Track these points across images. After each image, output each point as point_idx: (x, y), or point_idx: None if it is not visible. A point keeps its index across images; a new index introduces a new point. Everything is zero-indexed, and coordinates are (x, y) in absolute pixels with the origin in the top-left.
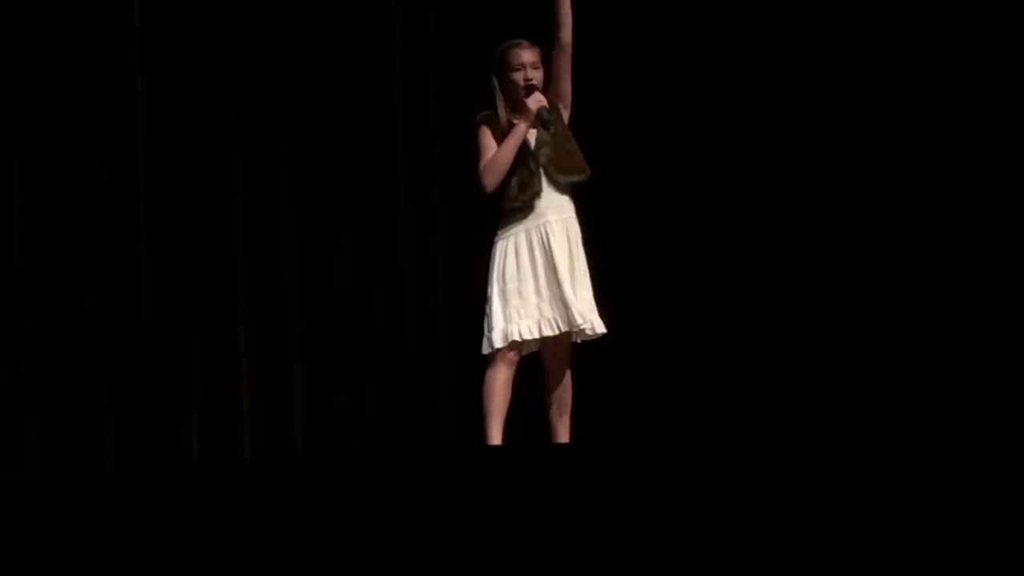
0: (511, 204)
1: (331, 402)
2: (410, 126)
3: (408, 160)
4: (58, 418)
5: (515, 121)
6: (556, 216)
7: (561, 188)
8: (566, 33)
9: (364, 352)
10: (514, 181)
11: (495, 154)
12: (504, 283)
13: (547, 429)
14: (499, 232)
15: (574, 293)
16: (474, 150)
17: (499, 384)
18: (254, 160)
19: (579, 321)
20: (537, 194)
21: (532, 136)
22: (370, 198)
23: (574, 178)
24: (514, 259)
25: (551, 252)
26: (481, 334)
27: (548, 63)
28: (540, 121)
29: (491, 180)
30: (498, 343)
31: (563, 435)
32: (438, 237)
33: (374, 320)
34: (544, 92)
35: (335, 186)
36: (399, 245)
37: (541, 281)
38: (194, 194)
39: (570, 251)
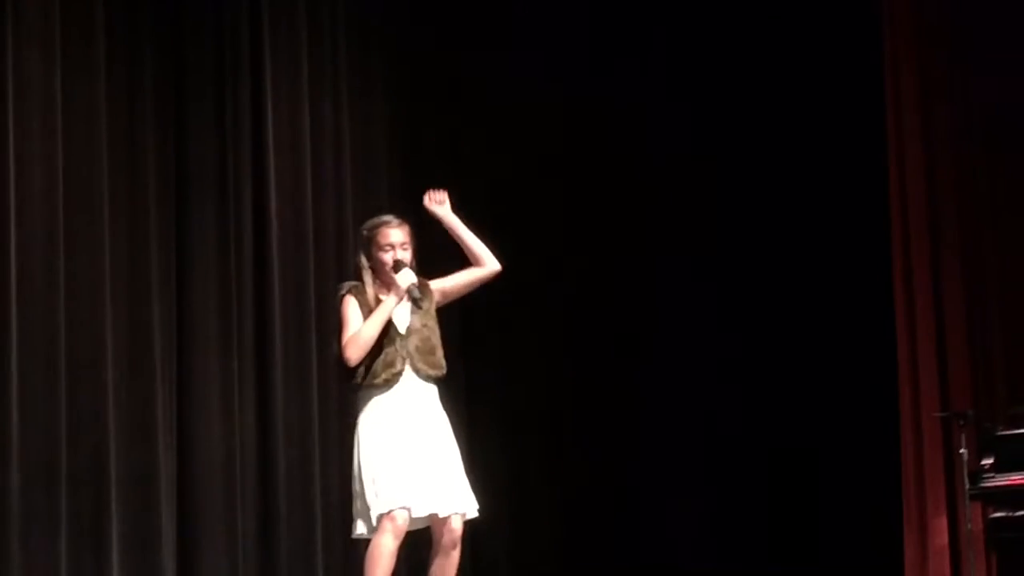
0: (372, 381)
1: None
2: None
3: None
4: None
5: (382, 297)
6: (418, 400)
7: (420, 378)
8: (493, 260)
9: (235, 524)
10: (377, 359)
11: (360, 329)
12: (382, 456)
13: None
14: (360, 411)
15: (455, 474)
16: (336, 322)
17: (385, 553)
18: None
19: (464, 504)
20: (398, 375)
21: (405, 320)
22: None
23: (432, 372)
24: (385, 434)
25: (421, 431)
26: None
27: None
28: (411, 298)
29: (355, 354)
30: (388, 507)
31: None
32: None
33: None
34: (428, 276)
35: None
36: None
37: (419, 459)
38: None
39: (440, 435)
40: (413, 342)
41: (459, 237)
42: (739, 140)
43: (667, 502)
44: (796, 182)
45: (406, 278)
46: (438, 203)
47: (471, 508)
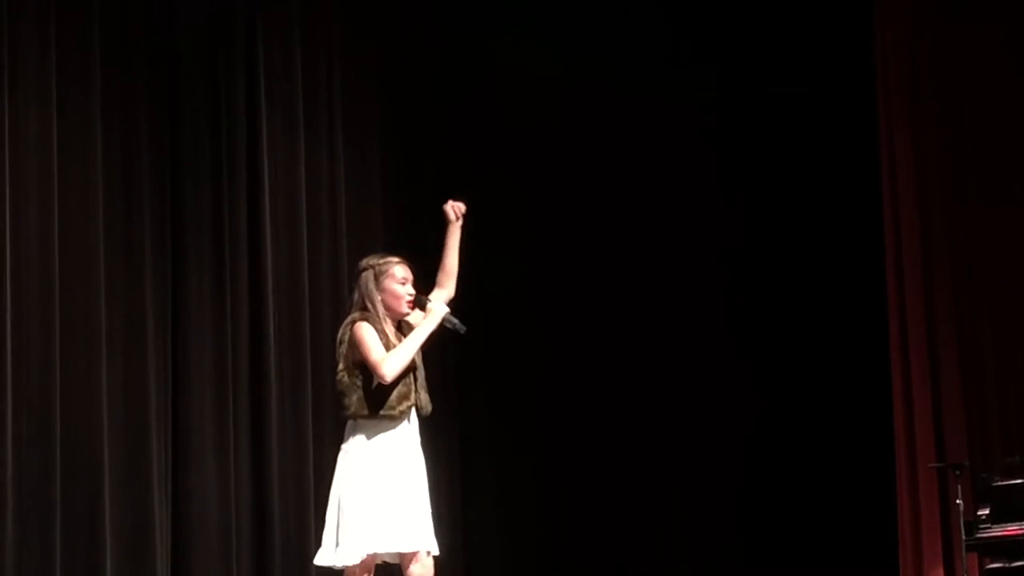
0: (385, 412)
1: None
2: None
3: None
4: None
5: (387, 331)
6: (413, 434)
7: (420, 412)
8: (452, 288)
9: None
10: (397, 390)
11: (403, 346)
12: (364, 492)
13: None
14: (354, 436)
15: (426, 511)
16: (355, 346)
17: None
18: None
19: (427, 541)
20: (411, 407)
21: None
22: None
23: (429, 408)
24: (374, 468)
25: (409, 467)
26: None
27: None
28: (451, 324)
29: (396, 370)
30: (347, 559)
31: None
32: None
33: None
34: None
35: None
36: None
37: (402, 494)
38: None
39: (421, 470)
40: (420, 377)
41: (448, 254)
42: (740, 176)
43: (658, 537)
44: (793, 233)
45: (441, 308)
46: (456, 217)
47: (435, 547)
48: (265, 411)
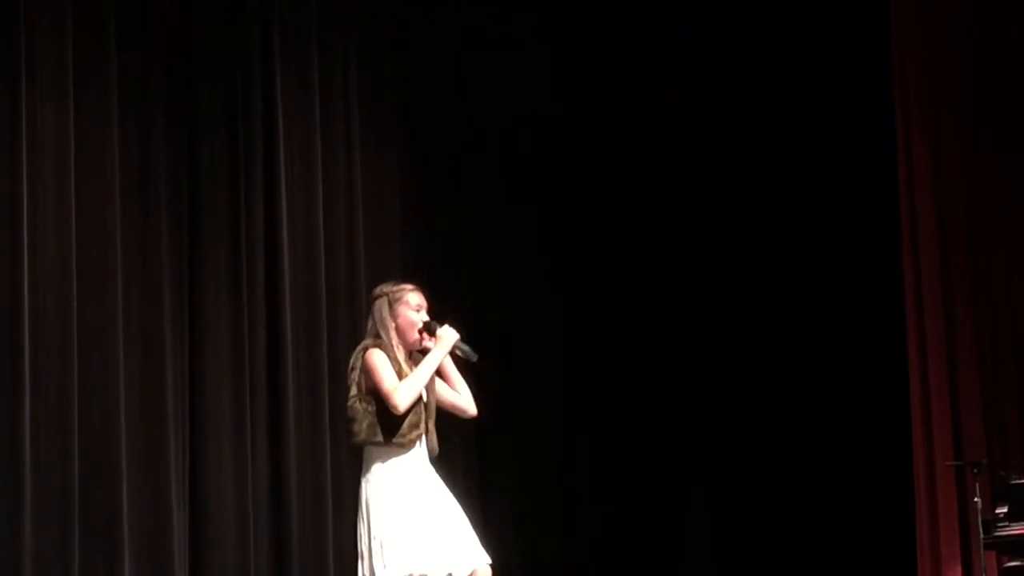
0: (397, 439)
1: None
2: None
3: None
4: None
5: (400, 358)
6: (426, 462)
7: (430, 444)
8: (471, 404)
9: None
10: (407, 418)
11: (414, 378)
12: (397, 517)
13: None
14: (377, 470)
15: (465, 528)
16: (363, 373)
17: None
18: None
19: (479, 556)
20: (422, 435)
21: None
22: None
23: (436, 449)
24: (401, 494)
25: (434, 491)
26: None
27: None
28: (461, 351)
29: (407, 400)
30: (410, 571)
31: None
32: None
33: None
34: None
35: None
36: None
37: (435, 518)
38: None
39: (443, 494)
40: (432, 409)
41: (447, 377)
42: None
43: (677, 535)
44: (810, 231)
45: (452, 334)
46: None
47: (486, 559)
48: (282, 411)
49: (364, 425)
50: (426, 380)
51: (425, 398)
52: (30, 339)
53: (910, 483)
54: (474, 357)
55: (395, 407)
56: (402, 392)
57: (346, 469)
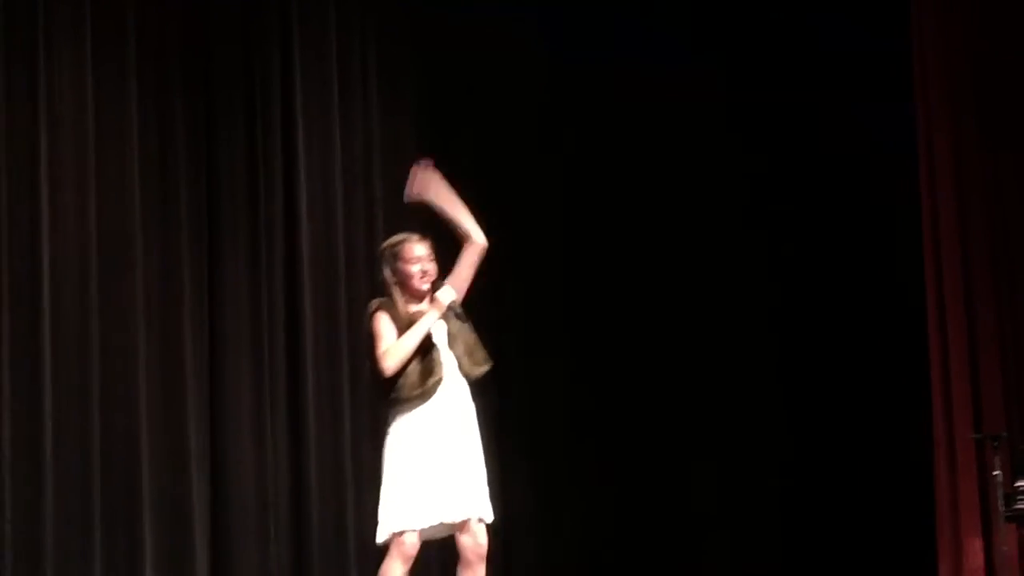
0: (413, 392)
1: None
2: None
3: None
4: None
5: (411, 309)
6: (455, 405)
7: (469, 378)
8: (479, 235)
9: (267, 543)
10: (415, 368)
11: (401, 340)
12: (401, 469)
13: None
14: (395, 421)
15: (473, 480)
16: (368, 336)
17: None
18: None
19: (476, 509)
20: (439, 382)
21: (443, 328)
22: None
23: (482, 368)
24: (411, 445)
25: (451, 441)
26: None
27: (438, 255)
28: (455, 314)
29: (393, 364)
30: (391, 531)
31: None
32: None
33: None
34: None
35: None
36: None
37: (440, 467)
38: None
39: (468, 437)
40: (459, 348)
41: (449, 215)
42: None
43: (698, 514)
44: (828, 209)
45: (447, 295)
46: (421, 182)
47: (485, 513)
48: (302, 384)
49: (382, 383)
50: (416, 342)
51: (435, 343)
52: (50, 319)
53: (930, 457)
54: (466, 320)
55: (383, 370)
56: (389, 356)
57: (365, 438)
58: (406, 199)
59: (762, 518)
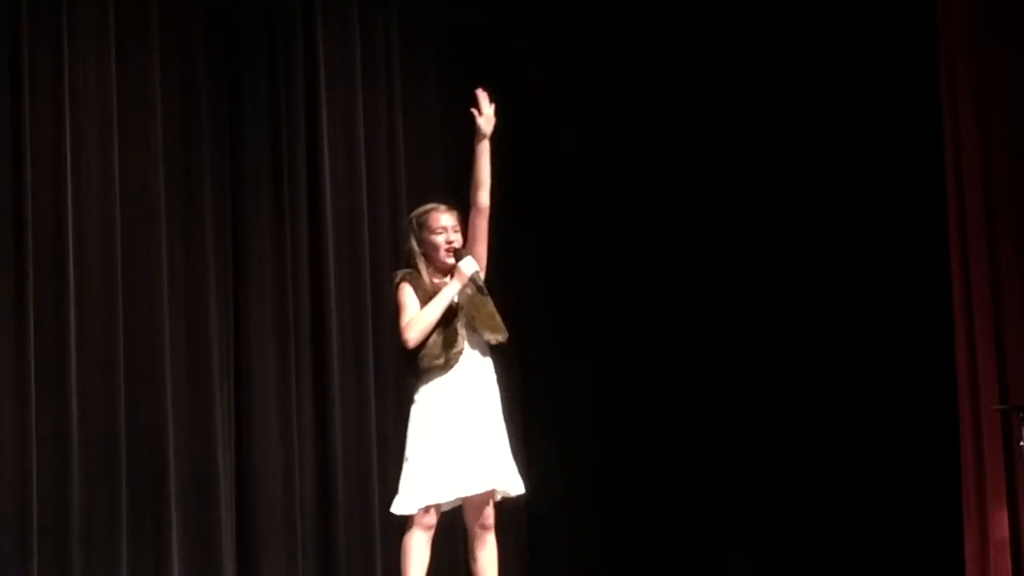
0: (433, 363)
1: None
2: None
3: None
4: None
5: (436, 281)
6: (477, 377)
7: (482, 349)
8: (483, 196)
9: (294, 522)
10: (436, 339)
11: (422, 311)
12: (419, 445)
13: None
14: (417, 392)
15: (492, 455)
16: (393, 307)
17: (417, 548)
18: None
19: (495, 484)
20: (460, 353)
21: (456, 297)
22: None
23: (496, 338)
24: (431, 421)
25: (470, 413)
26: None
27: (465, 226)
28: (475, 285)
29: (415, 336)
30: (413, 506)
31: None
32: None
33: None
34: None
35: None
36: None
37: (459, 443)
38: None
39: (489, 412)
40: (470, 313)
41: (479, 161)
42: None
43: (727, 492)
44: (853, 175)
45: (469, 266)
46: (486, 119)
47: (513, 486)
48: (327, 360)
49: (405, 354)
50: (438, 314)
51: (458, 313)
52: (75, 291)
53: (955, 428)
54: (484, 290)
55: (405, 342)
56: (411, 327)
57: (390, 410)
58: (476, 118)
59: (787, 493)
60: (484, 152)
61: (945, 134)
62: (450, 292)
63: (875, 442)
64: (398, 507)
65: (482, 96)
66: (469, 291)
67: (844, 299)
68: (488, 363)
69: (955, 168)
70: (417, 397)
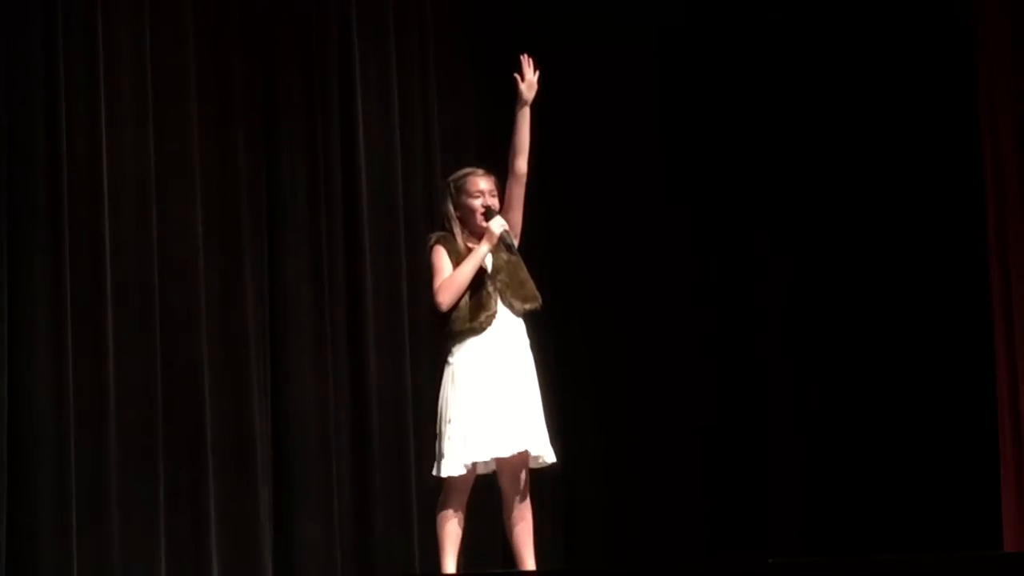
0: (465, 326)
1: (297, 533)
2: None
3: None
4: None
5: (471, 245)
6: (510, 341)
7: (515, 313)
8: (522, 163)
9: (330, 482)
10: (468, 303)
11: (454, 273)
12: (457, 406)
13: (512, 556)
14: (451, 355)
15: (526, 418)
16: (427, 270)
17: (451, 511)
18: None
19: (530, 446)
20: (492, 316)
21: (489, 260)
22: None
23: (528, 305)
24: (467, 382)
25: (504, 376)
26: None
27: (502, 192)
28: (504, 244)
29: (448, 299)
30: (449, 470)
31: (528, 562)
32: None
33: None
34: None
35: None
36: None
37: (494, 404)
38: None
39: (523, 376)
40: (502, 279)
41: (519, 127)
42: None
43: (766, 456)
44: (890, 169)
45: (498, 225)
46: (529, 85)
47: (546, 452)
48: (362, 322)
49: (439, 316)
50: (469, 276)
51: (493, 275)
52: (111, 254)
53: (994, 414)
54: (515, 248)
55: (438, 305)
56: (443, 290)
57: (425, 375)
58: (518, 83)
59: (827, 477)
60: (525, 118)
61: (982, 127)
62: (481, 254)
63: (914, 429)
64: (445, 469)
65: (526, 62)
66: (504, 256)
67: (884, 295)
68: (521, 326)
69: (994, 163)
70: (451, 359)
